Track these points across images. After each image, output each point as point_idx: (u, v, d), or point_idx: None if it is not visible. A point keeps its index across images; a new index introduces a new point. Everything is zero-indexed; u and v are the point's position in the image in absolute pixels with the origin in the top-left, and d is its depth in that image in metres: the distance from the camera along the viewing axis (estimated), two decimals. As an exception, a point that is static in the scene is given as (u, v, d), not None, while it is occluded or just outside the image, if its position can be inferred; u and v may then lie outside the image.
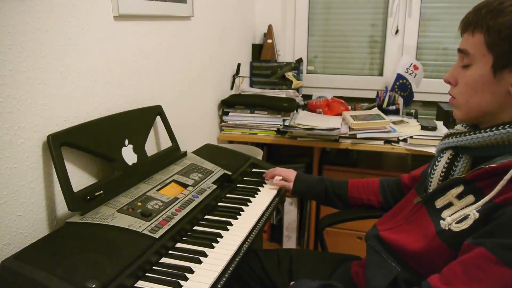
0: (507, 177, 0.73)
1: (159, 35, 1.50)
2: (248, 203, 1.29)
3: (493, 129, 0.80)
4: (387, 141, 1.93)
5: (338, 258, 1.24)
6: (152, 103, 1.43)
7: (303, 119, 2.08)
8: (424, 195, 0.92)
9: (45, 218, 1.04)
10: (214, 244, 1.03)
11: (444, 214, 0.84)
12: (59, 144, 1.01)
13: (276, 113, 2.07)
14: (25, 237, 0.98)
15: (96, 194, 1.07)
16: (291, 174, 1.39)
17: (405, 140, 1.92)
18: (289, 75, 2.43)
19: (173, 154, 1.44)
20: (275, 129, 2.07)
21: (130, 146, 1.23)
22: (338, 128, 1.95)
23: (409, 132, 1.93)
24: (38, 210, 1.01)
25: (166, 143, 1.51)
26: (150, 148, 1.44)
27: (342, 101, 2.31)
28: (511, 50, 0.76)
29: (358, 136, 1.94)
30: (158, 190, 1.17)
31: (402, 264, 0.90)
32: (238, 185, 1.43)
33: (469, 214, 0.77)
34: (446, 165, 0.88)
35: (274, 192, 1.39)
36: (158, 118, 1.45)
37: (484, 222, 0.75)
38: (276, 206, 1.35)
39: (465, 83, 0.84)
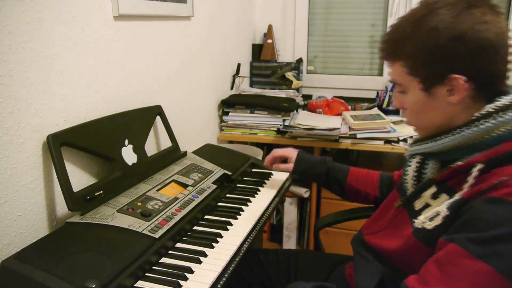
0: (472, 173, 0.75)
1: (159, 35, 1.50)
2: (248, 203, 1.29)
3: (448, 135, 0.82)
4: (387, 141, 1.93)
5: (337, 258, 1.24)
6: (152, 103, 1.43)
7: (303, 119, 2.08)
8: (404, 198, 0.94)
9: (45, 218, 1.04)
10: (214, 244, 1.03)
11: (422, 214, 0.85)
12: (59, 144, 1.01)
13: (276, 113, 2.07)
14: (25, 237, 0.98)
15: (96, 194, 1.07)
16: (292, 153, 1.33)
17: (405, 140, 1.92)
18: (289, 75, 2.43)
19: (173, 154, 1.44)
20: (275, 129, 2.07)
21: (130, 146, 1.23)
22: (338, 128, 1.95)
23: (409, 132, 1.93)
24: (38, 210, 1.01)
25: (166, 143, 1.51)
26: (150, 148, 1.44)
27: (342, 101, 2.31)
28: (432, 71, 0.80)
29: (358, 136, 1.94)
30: (158, 190, 1.17)
31: (388, 266, 0.91)
32: (238, 185, 1.43)
33: (440, 211, 0.78)
34: (416, 169, 0.90)
35: (274, 192, 1.39)
36: (158, 118, 1.45)
37: (454, 218, 0.76)
38: (276, 206, 1.35)
39: (408, 108, 0.88)
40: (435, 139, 0.85)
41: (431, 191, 0.85)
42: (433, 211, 0.80)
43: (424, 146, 0.88)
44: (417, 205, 0.87)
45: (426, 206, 0.85)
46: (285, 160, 1.37)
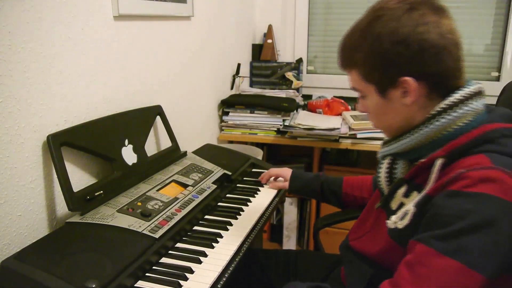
0: (435, 169, 0.77)
1: (159, 35, 1.50)
2: (248, 203, 1.29)
3: (409, 135, 0.84)
4: (387, 141, 1.93)
5: (336, 258, 1.23)
6: (152, 103, 1.43)
7: (303, 119, 2.08)
8: (382, 199, 0.94)
9: (45, 218, 1.04)
10: (214, 244, 1.03)
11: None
12: (59, 144, 1.01)
13: (276, 113, 2.07)
14: (25, 237, 0.98)
15: (96, 194, 1.07)
16: (287, 172, 1.38)
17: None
18: (289, 75, 2.43)
19: (173, 154, 1.44)
20: (275, 129, 2.07)
21: (130, 146, 1.23)
22: (338, 128, 1.95)
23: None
24: (38, 210, 1.01)
25: (166, 143, 1.51)
26: (150, 148, 1.44)
27: (342, 101, 2.30)
28: (383, 76, 0.83)
29: (358, 136, 1.94)
30: (158, 190, 1.17)
31: (377, 267, 0.91)
32: (238, 185, 1.43)
33: (408, 210, 0.79)
34: (387, 170, 0.92)
35: (274, 192, 1.39)
36: (158, 118, 1.45)
37: (421, 215, 0.76)
38: (276, 206, 1.35)
39: (370, 112, 0.91)
40: (398, 140, 0.87)
41: (402, 190, 0.86)
42: (403, 210, 0.81)
43: (390, 147, 0.90)
44: (393, 205, 0.88)
45: (401, 205, 0.86)
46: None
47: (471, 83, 0.83)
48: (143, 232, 0.97)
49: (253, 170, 1.56)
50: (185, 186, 1.24)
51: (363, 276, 0.92)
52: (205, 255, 0.99)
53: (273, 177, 1.44)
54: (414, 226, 0.77)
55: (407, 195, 0.85)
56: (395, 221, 0.81)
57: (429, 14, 0.79)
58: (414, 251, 0.72)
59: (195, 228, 1.12)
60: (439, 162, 0.77)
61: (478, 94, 0.82)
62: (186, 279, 0.89)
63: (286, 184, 1.37)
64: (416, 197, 0.80)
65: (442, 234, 0.69)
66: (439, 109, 0.80)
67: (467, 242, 0.67)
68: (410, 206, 0.79)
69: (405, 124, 0.86)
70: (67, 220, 1.00)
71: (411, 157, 0.87)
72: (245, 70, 2.43)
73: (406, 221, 0.79)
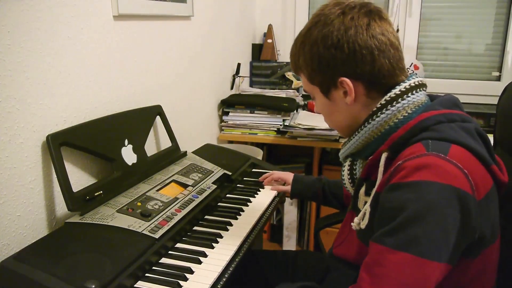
0: (380, 163, 0.78)
1: (159, 35, 1.49)
2: (248, 203, 1.29)
3: (356, 133, 0.87)
4: (387, 141, 1.93)
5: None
6: (152, 103, 1.43)
7: (303, 119, 2.08)
8: (351, 201, 0.95)
9: (45, 219, 1.04)
10: (214, 244, 1.03)
11: None
12: (59, 144, 1.00)
13: (276, 113, 2.07)
14: (25, 238, 0.98)
15: (95, 194, 1.07)
16: (289, 176, 1.39)
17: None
18: (289, 75, 2.43)
19: (173, 154, 1.44)
20: (275, 129, 2.07)
21: (130, 146, 1.23)
22: (338, 128, 1.95)
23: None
24: (37, 210, 1.01)
25: (166, 143, 1.50)
26: (150, 148, 1.43)
27: (342, 101, 2.30)
28: (323, 78, 0.87)
29: (358, 136, 1.93)
30: (158, 190, 1.17)
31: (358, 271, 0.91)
32: (238, 185, 1.43)
33: (366, 210, 0.80)
34: (348, 171, 0.93)
35: (274, 192, 1.39)
36: (158, 118, 1.44)
37: (375, 214, 0.77)
38: (276, 206, 1.35)
39: (321, 112, 0.95)
40: (350, 140, 0.90)
41: (363, 189, 0.87)
42: (362, 211, 0.81)
43: (345, 148, 0.92)
44: (360, 205, 0.88)
45: (366, 205, 0.86)
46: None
47: (412, 77, 0.85)
48: (143, 232, 0.97)
49: (253, 170, 1.56)
50: (185, 186, 1.24)
51: (348, 282, 0.92)
52: (205, 255, 0.99)
53: (275, 180, 1.44)
54: (372, 225, 0.78)
55: (368, 193, 0.85)
56: (358, 222, 0.82)
57: (360, 17, 0.82)
58: (371, 251, 0.72)
59: (195, 228, 1.12)
60: (383, 156, 0.78)
61: (418, 87, 0.83)
62: (186, 279, 0.89)
63: (288, 188, 1.36)
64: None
65: (390, 229, 0.69)
66: (379, 105, 0.83)
67: (414, 232, 0.67)
68: (367, 205, 0.80)
69: (353, 123, 0.88)
70: (67, 220, 1.00)
71: (365, 155, 0.89)
72: (245, 70, 2.43)
73: (366, 221, 0.80)
